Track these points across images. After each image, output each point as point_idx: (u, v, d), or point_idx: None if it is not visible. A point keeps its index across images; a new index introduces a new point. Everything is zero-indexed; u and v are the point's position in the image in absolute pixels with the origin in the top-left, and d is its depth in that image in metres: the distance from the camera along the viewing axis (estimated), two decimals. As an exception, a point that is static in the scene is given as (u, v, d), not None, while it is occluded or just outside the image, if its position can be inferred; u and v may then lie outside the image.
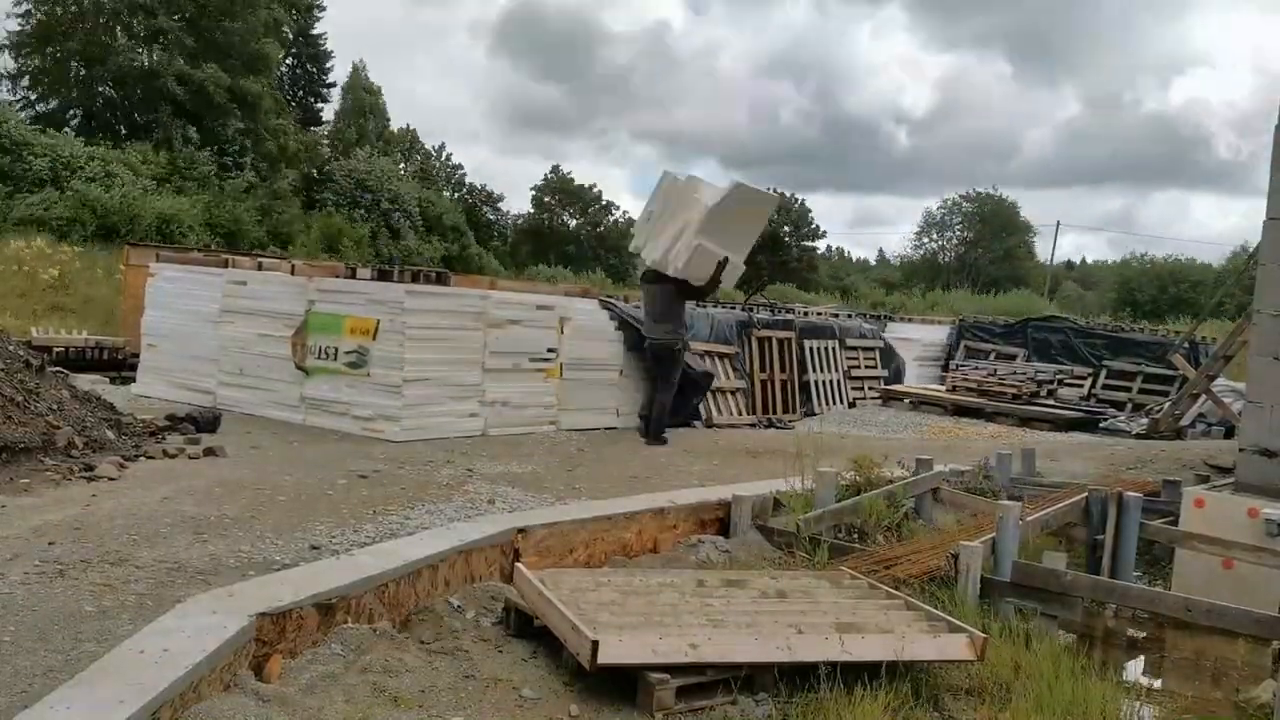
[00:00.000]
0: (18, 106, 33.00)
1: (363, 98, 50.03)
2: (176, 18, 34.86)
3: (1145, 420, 14.98)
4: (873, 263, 79.94)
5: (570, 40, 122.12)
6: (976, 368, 17.75)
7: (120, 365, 13.78)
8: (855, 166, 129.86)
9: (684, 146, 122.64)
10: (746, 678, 4.68)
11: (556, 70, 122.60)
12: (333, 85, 49.31)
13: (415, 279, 11.58)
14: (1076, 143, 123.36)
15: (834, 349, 16.59)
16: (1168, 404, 15.12)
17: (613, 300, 13.11)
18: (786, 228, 60.58)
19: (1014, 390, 16.56)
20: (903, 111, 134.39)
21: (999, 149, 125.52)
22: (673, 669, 4.50)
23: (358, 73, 50.63)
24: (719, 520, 7.60)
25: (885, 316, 22.48)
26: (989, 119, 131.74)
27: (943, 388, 17.86)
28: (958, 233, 66.46)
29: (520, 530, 6.20)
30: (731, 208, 10.51)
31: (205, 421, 9.10)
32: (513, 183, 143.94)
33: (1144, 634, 7.21)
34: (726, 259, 10.52)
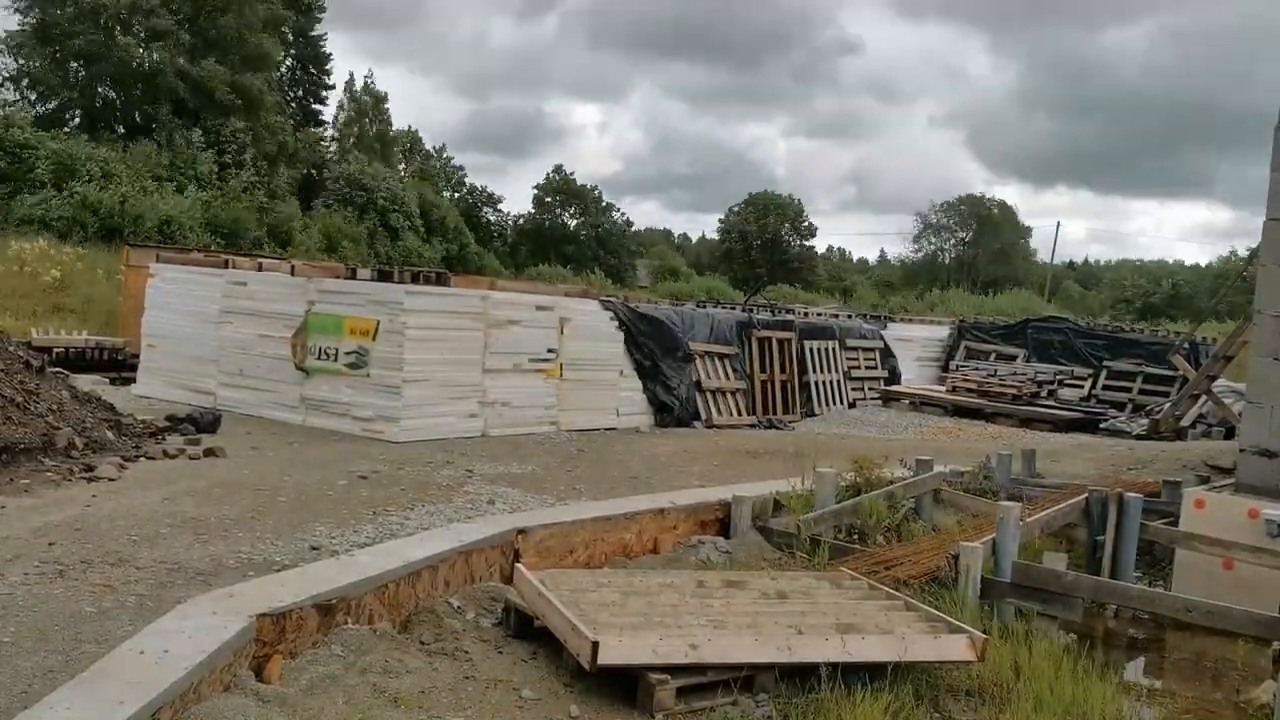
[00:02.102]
0: (18, 107, 32.95)
1: (364, 103, 50.02)
2: (175, 18, 34.84)
3: (1145, 421, 14.97)
4: (872, 263, 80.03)
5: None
6: (976, 368, 17.75)
7: (120, 366, 13.76)
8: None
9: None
10: (747, 678, 4.68)
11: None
12: (332, 87, 49.33)
13: (415, 280, 11.58)
14: None
15: (834, 349, 16.59)
16: (1168, 405, 15.11)
17: (613, 300, 13.12)
18: (786, 226, 60.66)
19: (1014, 391, 16.56)
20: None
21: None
22: (673, 669, 4.50)
23: (353, 79, 50.66)
24: (719, 521, 7.59)
25: (885, 317, 22.48)
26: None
27: (943, 388, 17.86)
28: (955, 234, 66.50)
29: (520, 531, 6.20)
30: None
31: (205, 422, 9.10)
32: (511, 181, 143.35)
33: (1144, 634, 7.21)
34: None
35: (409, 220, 39.33)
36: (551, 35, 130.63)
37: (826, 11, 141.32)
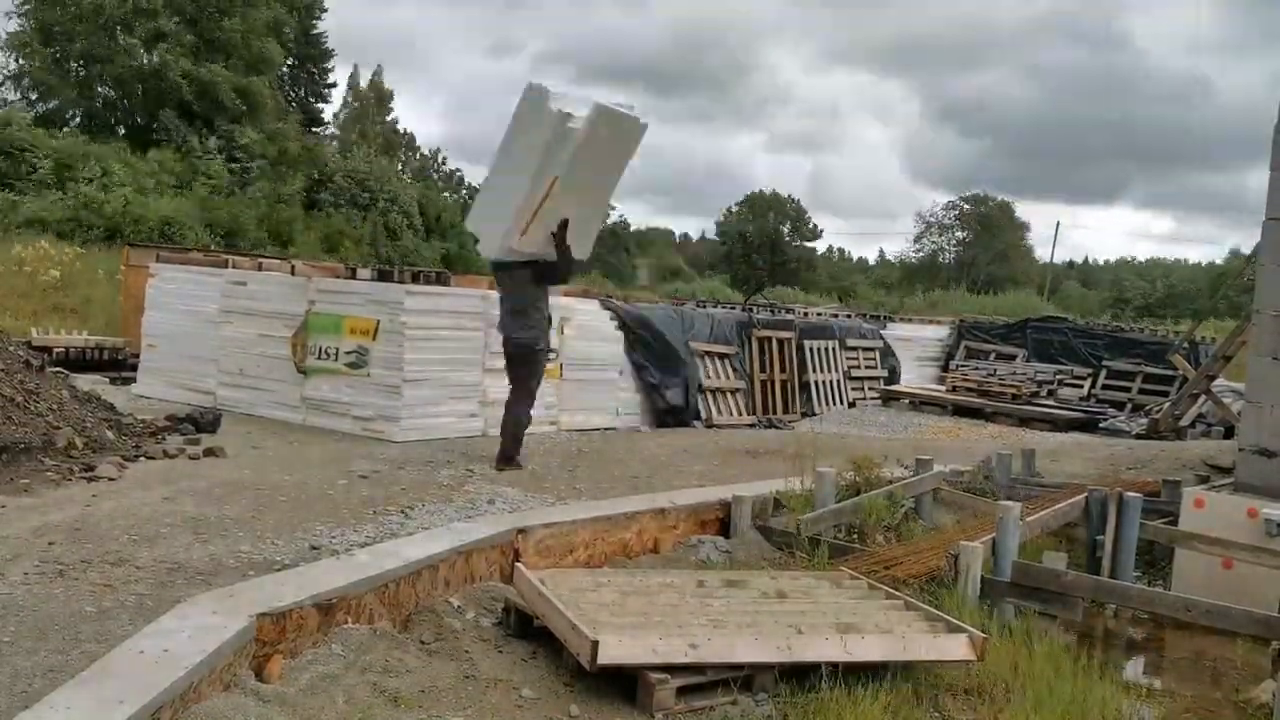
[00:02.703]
0: (19, 107, 32.97)
1: (369, 99, 50.03)
2: (176, 20, 34.86)
3: (1145, 420, 14.98)
4: (872, 263, 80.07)
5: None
6: (976, 368, 17.75)
7: (120, 366, 13.76)
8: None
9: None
10: (746, 678, 4.68)
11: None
12: (333, 85, 49.33)
13: (415, 279, 11.59)
14: None
15: (834, 349, 16.59)
16: (1167, 404, 15.11)
17: (613, 300, 13.12)
18: (785, 227, 60.66)
19: (1014, 390, 16.56)
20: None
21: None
22: (673, 669, 4.50)
23: (357, 72, 50.69)
24: (719, 520, 7.60)
25: (885, 317, 22.49)
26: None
27: (943, 388, 17.87)
28: (956, 234, 66.50)
29: (520, 530, 6.20)
30: (596, 141, 7.90)
31: (205, 422, 9.10)
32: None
33: (1143, 634, 7.22)
34: (566, 220, 8.09)
35: (409, 220, 39.33)
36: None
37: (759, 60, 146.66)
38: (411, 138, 56.57)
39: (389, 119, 52.13)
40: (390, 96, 51.99)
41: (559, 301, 11.59)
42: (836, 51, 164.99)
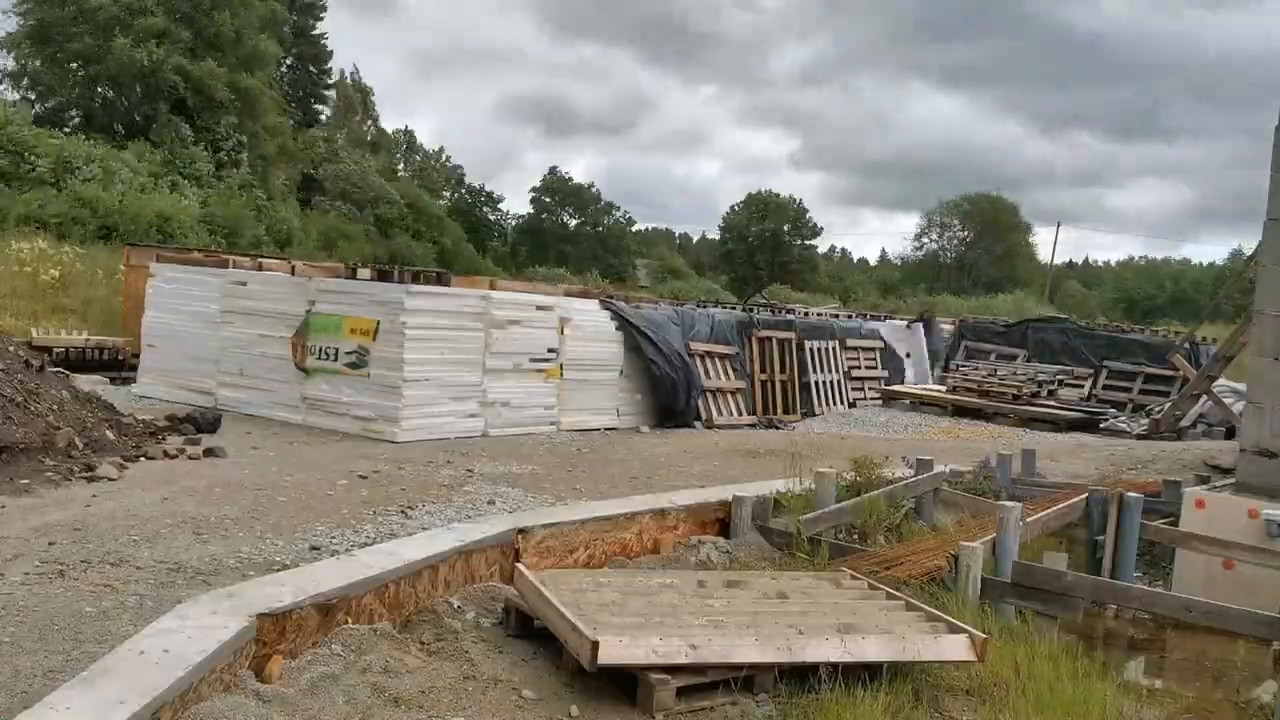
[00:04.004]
0: (16, 109, 32.94)
1: (353, 99, 49.99)
2: (173, 18, 34.84)
3: (1146, 421, 14.97)
4: (873, 263, 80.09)
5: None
6: (977, 368, 17.74)
7: (120, 366, 13.77)
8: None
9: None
10: (747, 678, 4.68)
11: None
12: (332, 85, 49.31)
13: (415, 279, 11.58)
14: None
15: (834, 349, 16.59)
16: (1168, 405, 15.11)
17: (613, 300, 13.12)
18: (786, 227, 60.65)
19: (1014, 391, 16.55)
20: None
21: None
22: (673, 669, 4.50)
23: (344, 75, 50.66)
24: (719, 521, 7.59)
25: (885, 317, 22.49)
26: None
27: (943, 388, 17.86)
28: (957, 233, 66.46)
29: (521, 531, 6.19)
30: None
31: (205, 422, 9.10)
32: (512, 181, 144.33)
33: (1144, 634, 7.22)
34: None
35: (403, 219, 39.33)
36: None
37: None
38: (412, 136, 56.60)
39: (372, 119, 52.03)
40: (370, 92, 51.89)
41: (558, 301, 11.59)
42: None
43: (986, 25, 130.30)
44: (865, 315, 22.09)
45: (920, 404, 16.81)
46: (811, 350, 15.92)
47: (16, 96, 35.80)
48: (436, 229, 41.73)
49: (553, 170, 61.35)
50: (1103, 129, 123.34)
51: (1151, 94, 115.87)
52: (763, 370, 14.68)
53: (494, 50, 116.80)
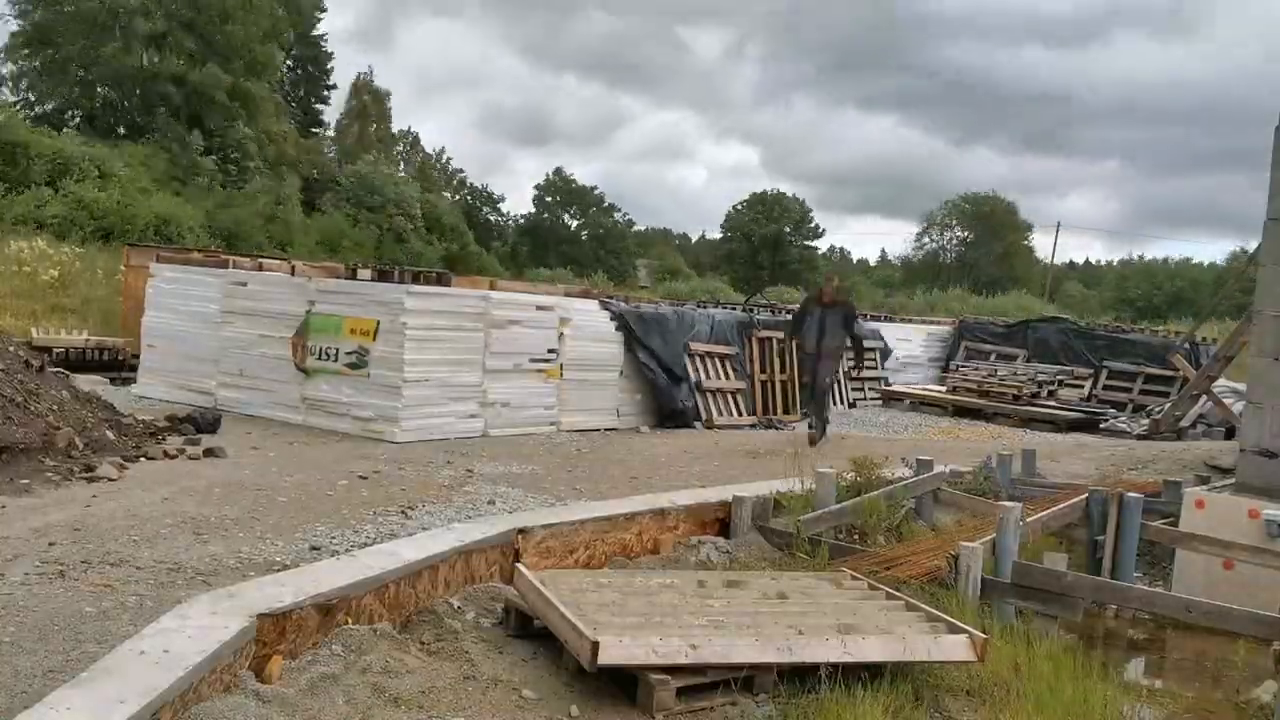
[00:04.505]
0: (17, 107, 32.97)
1: (365, 102, 50.03)
2: (175, 23, 34.88)
3: (1146, 421, 14.97)
4: (873, 263, 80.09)
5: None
6: (977, 368, 17.74)
7: (120, 366, 13.77)
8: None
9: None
10: (747, 678, 4.68)
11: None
12: (334, 87, 49.34)
13: (416, 279, 11.59)
14: None
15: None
16: (1168, 405, 15.11)
17: (613, 301, 13.12)
18: (787, 228, 60.64)
19: (1014, 391, 16.55)
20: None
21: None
22: (673, 669, 4.50)
23: (359, 78, 50.71)
24: (719, 521, 7.59)
25: (885, 316, 22.49)
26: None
27: (943, 388, 17.86)
28: (957, 233, 66.42)
29: (521, 531, 6.19)
30: None
31: (205, 422, 9.10)
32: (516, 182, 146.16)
33: (1144, 634, 7.21)
34: None
35: (412, 222, 39.37)
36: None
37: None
38: (416, 137, 56.62)
39: (386, 117, 52.10)
40: (387, 96, 52.01)
41: (558, 301, 11.59)
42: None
43: (889, 63, 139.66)
44: (864, 315, 22.08)
45: (920, 404, 16.81)
46: (812, 350, 15.90)
47: (15, 97, 35.80)
48: (450, 238, 41.75)
49: (557, 171, 61.41)
50: (1009, 148, 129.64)
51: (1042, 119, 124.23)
52: (763, 370, 14.67)
53: (478, 73, 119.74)
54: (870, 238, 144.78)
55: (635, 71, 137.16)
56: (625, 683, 4.55)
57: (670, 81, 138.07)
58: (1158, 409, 15.31)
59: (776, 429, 13.67)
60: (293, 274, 11.13)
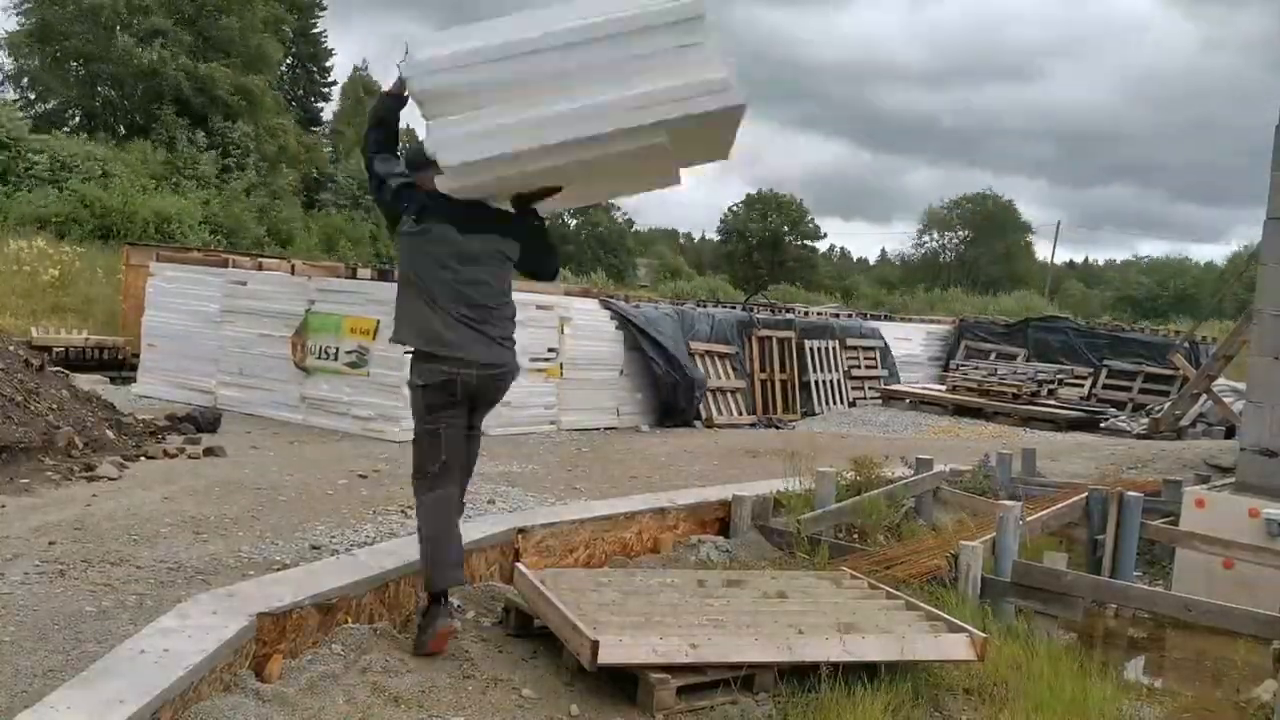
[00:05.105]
0: (17, 106, 32.96)
1: (363, 99, 49.95)
2: (175, 19, 34.87)
3: (1146, 420, 14.97)
4: (872, 262, 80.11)
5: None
6: (977, 368, 17.75)
7: (120, 365, 13.79)
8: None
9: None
10: (747, 677, 4.67)
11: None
12: (333, 84, 49.32)
13: (415, 279, 11.55)
14: None
15: (834, 349, 16.59)
16: (1168, 404, 15.11)
17: (613, 300, 13.12)
18: (786, 228, 60.63)
19: (1014, 390, 16.56)
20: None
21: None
22: (673, 669, 4.49)
23: (358, 72, 50.64)
24: (719, 520, 7.59)
25: (885, 316, 22.50)
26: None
27: (943, 388, 17.86)
28: (957, 233, 66.40)
29: (520, 530, 6.20)
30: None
31: (205, 421, 9.10)
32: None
33: (1144, 634, 7.21)
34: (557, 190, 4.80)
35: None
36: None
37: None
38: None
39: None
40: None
41: (558, 300, 11.58)
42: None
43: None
44: (865, 315, 22.11)
45: (920, 403, 16.81)
46: (811, 349, 15.92)
47: (16, 96, 35.79)
48: None
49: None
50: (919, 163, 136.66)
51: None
52: (763, 370, 14.68)
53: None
54: (870, 238, 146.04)
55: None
56: (625, 682, 4.55)
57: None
58: (1158, 408, 15.32)
59: (776, 428, 13.67)
60: (292, 273, 11.13)
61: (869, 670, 4.80)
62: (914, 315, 25.99)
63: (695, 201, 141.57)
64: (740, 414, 13.89)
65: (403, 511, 6.39)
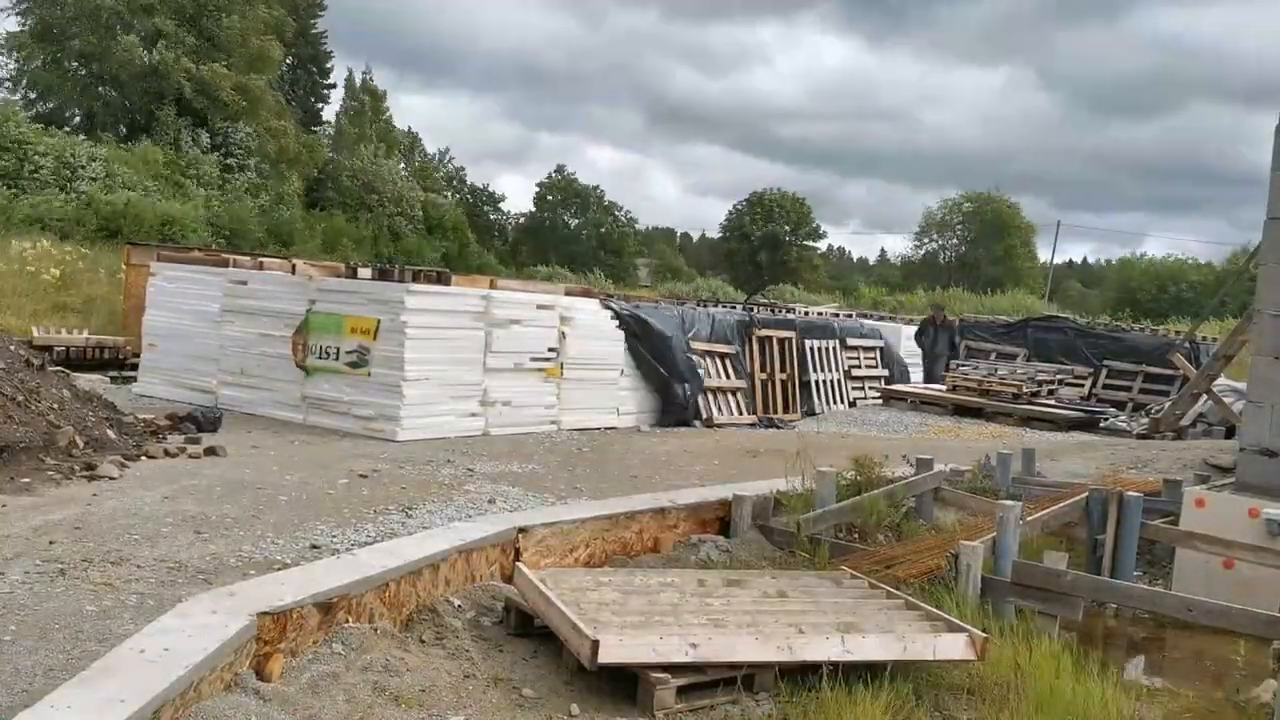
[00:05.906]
0: (19, 107, 32.94)
1: (364, 101, 49.95)
2: (175, 20, 34.84)
3: (1146, 420, 14.95)
4: (873, 262, 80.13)
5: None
6: (977, 367, 17.73)
7: (121, 365, 13.78)
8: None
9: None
10: (747, 677, 4.68)
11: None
12: (333, 86, 49.28)
13: (416, 278, 11.57)
14: None
15: (834, 348, 16.58)
16: (1168, 404, 15.10)
17: (614, 299, 13.12)
18: (787, 227, 60.60)
19: (1014, 390, 16.54)
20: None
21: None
22: (673, 668, 4.50)
23: (353, 76, 50.64)
24: (720, 520, 7.60)
25: (885, 315, 22.51)
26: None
27: (943, 388, 17.85)
28: (958, 233, 66.33)
29: (521, 530, 6.20)
30: None
31: (206, 421, 9.11)
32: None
33: (1144, 634, 7.21)
34: None
35: (411, 221, 39.32)
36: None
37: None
38: (415, 137, 56.53)
39: (384, 117, 51.99)
40: (384, 96, 51.92)
41: (558, 300, 11.59)
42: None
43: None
44: (864, 314, 22.12)
45: (920, 403, 16.79)
46: (812, 349, 15.91)
47: (17, 96, 35.77)
48: (451, 238, 41.68)
49: (559, 169, 61.31)
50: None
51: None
52: (763, 369, 14.67)
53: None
54: (870, 238, 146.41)
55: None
56: (626, 681, 4.55)
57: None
58: (1157, 408, 15.31)
59: (777, 428, 13.67)
60: (293, 273, 11.13)
61: (869, 670, 4.80)
62: (915, 315, 25.99)
63: (695, 201, 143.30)
64: (740, 414, 13.89)
65: (403, 511, 6.39)
